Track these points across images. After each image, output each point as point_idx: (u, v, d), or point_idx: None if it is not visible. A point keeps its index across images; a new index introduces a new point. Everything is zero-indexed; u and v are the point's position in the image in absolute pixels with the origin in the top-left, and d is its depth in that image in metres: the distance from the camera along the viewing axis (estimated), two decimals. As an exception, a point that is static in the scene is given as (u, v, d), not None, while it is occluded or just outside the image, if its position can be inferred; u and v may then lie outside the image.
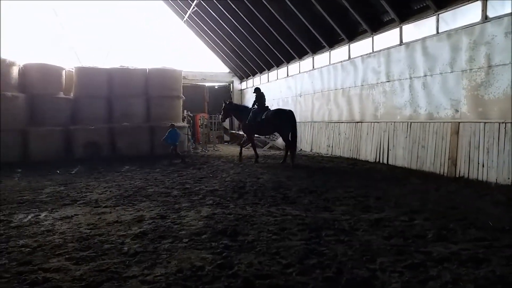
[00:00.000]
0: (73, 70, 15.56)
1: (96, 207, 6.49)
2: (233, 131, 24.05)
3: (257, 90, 12.79)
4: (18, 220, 5.70)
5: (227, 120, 21.14)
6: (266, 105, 12.61)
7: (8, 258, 4.09)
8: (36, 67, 14.41)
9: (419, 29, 10.40)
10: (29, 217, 5.87)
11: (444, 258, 3.88)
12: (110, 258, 4.03)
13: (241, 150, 13.28)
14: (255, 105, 12.65)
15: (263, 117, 11.96)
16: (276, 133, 18.11)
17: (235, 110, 13.44)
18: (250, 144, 13.31)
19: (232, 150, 17.63)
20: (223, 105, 13.45)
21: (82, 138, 14.19)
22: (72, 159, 13.61)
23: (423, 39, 10.17)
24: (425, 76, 10.12)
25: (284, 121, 11.52)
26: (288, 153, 11.74)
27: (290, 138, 11.52)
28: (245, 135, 13.45)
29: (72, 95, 15.36)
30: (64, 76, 15.23)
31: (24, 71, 14.15)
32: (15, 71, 13.66)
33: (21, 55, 16.83)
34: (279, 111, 12.11)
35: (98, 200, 7.08)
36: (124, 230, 5.08)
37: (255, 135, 13.93)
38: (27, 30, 21.78)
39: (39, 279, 3.50)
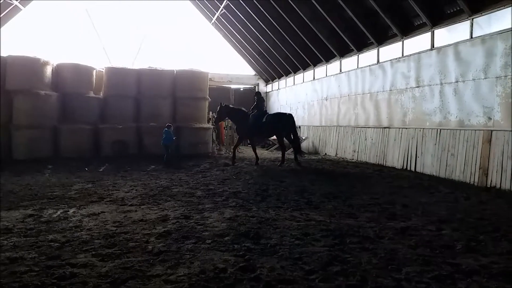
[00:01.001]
0: (103, 70, 15.96)
1: (122, 205, 6.62)
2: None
3: (258, 94, 13.19)
4: (48, 215, 5.89)
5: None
6: (265, 109, 12.98)
7: (38, 252, 4.22)
8: (68, 67, 14.88)
9: (451, 33, 10.13)
10: (58, 212, 6.05)
11: (473, 271, 3.74)
12: (134, 256, 4.09)
13: (255, 152, 13.17)
14: (254, 110, 12.82)
15: (264, 120, 12.32)
16: (303, 137, 18.09)
17: (231, 113, 13.27)
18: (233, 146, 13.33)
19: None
20: (218, 107, 13.35)
21: (110, 137, 14.53)
22: (100, 156, 13.95)
23: (456, 44, 9.89)
24: (457, 82, 9.84)
25: (284, 124, 12.24)
26: (284, 155, 12.50)
27: (291, 141, 12.36)
28: (238, 136, 13.43)
29: (101, 94, 15.76)
30: (94, 76, 15.66)
31: (58, 70, 14.63)
32: (48, 70, 14.14)
33: (55, 55, 17.44)
34: (280, 115, 12.83)
35: (124, 198, 7.22)
36: (148, 228, 5.15)
37: (254, 137, 14.32)
38: (61, 30, 22.58)
39: (66, 274, 3.59)
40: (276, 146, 19.60)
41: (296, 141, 12.52)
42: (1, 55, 13.59)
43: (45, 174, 10.43)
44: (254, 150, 13.09)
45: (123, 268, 3.74)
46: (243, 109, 13.75)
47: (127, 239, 4.67)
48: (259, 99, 12.88)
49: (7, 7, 19.35)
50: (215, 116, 13.57)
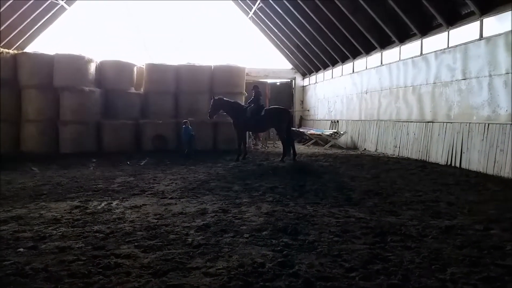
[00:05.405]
0: (144, 66, 16.37)
1: (162, 198, 6.78)
2: (293, 128, 23.91)
3: (256, 88, 12.88)
4: (93, 207, 6.13)
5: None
6: (262, 104, 12.77)
7: (84, 242, 4.40)
8: (111, 64, 15.40)
9: (502, 22, 9.54)
10: (102, 204, 6.29)
11: (525, 274, 3.53)
12: (175, 248, 4.18)
13: (245, 147, 13.05)
14: (252, 103, 12.53)
15: (263, 114, 12.25)
16: (339, 132, 17.81)
17: (227, 106, 12.64)
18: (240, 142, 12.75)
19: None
20: (212, 100, 12.72)
21: (150, 132, 14.94)
22: (141, 151, 14.37)
23: (507, 34, 9.32)
24: (508, 73, 9.28)
25: (283, 119, 12.26)
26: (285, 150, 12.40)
27: (286, 135, 12.28)
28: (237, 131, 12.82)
29: (142, 90, 16.19)
30: (135, 72, 16.10)
31: (101, 67, 15.17)
32: (92, 68, 14.69)
33: (98, 52, 18.12)
34: (279, 109, 12.72)
35: (164, 191, 7.39)
36: (188, 221, 5.25)
37: (251, 131, 15.37)
38: (104, 27, 23.44)
39: (111, 264, 3.72)
40: (313, 141, 19.41)
41: (290, 137, 12.53)
42: (49, 53, 14.28)
43: (90, 167, 10.88)
44: (244, 145, 12.88)
45: (164, 260, 3.83)
46: (238, 102, 13.59)
47: (167, 231, 4.78)
48: (257, 93, 12.61)
49: (53, 7, 20.28)
50: (209, 110, 12.73)
